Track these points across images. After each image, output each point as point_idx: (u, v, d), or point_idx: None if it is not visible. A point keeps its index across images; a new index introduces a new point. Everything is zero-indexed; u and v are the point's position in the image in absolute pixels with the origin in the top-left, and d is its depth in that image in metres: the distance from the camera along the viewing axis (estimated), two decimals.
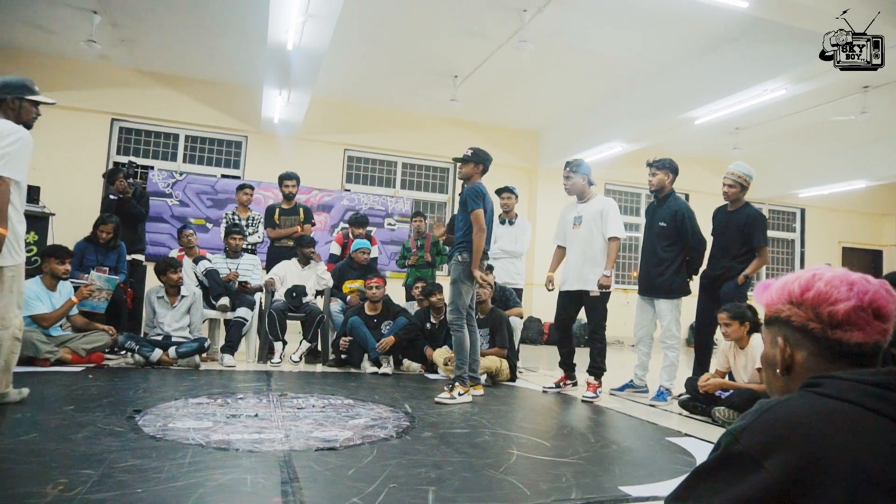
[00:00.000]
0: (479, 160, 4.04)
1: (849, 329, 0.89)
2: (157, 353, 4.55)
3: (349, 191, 8.93)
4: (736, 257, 4.23)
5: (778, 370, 0.97)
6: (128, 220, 5.56)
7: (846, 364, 0.89)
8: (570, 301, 4.42)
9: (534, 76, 7.53)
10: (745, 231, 4.21)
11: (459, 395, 3.77)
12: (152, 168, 8.08)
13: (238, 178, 8.46)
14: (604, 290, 4.25)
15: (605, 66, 7.16)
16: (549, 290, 4.73)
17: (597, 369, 4.26)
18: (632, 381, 4.57)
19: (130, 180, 5.75)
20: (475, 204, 3.91)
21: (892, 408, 0.78)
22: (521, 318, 5.50)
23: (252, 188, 6.15)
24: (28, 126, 3.04)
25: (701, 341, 4.51)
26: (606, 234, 4.28)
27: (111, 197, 5.65)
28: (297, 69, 6.29)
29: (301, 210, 6.04)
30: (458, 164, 4.13)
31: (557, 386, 4.48)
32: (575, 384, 4.53)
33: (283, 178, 5.98)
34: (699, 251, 4.42)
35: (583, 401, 4.10)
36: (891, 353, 2.21)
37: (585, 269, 4.30)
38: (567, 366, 4.51)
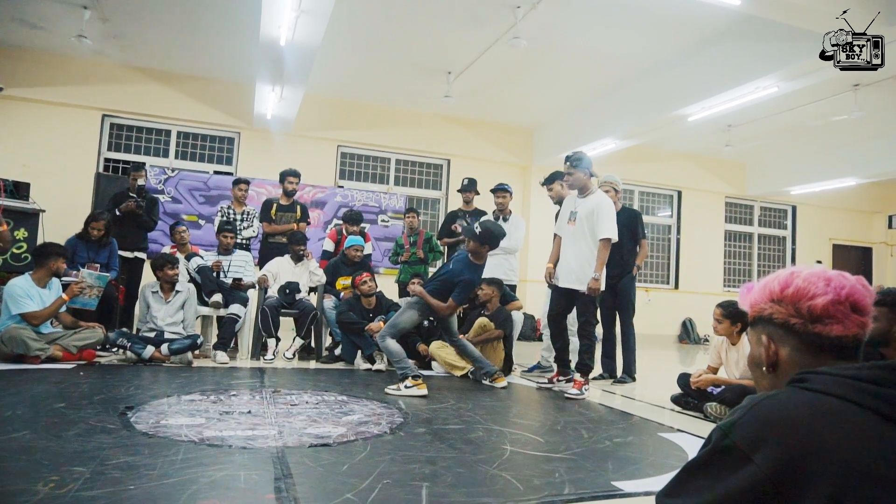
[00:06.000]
0: (484, 240, 4.25)
1: (828, 322, 0.92)
2: (150, 350, 4.53)
3: (342, 187, 8.91)
4: (628, 253, 5.01)
5: (764, 368, 0.99)
6: (133, 223, 5.60)
7: (828, 358, 0.92)
8: (560, 296, 4.42)
9: (528, 73, 7.53)
10: (629, 228, 4.97)
11: (407, 387, 3.83)
12: (144, 164, 8.02)
13: (231, 174, 8.42)
14: (594, 293, 4.22)
15: (598, 63, 7.16)
16: (549, 283, 4.75)
17: (584, 366, 4.22)
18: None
19: (139, 200, 5.69)
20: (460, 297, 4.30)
21: (877, 402, 0.79)
22: (521, 309, 5.51)
23: (247, 183, 6.12)
24: None
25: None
26: (598, 235, 4.20)
27: (117, 213, 5.58)
28: (290, 65, 6.26)
29: (298, 207, 6.03)
30: (468, 241, 4.34)
31: (550, 382, 4.49)
32: (570, 380, 4.47)
33: (286, 175, 5.96)
34: None
35: (566, 398, 4.05)
36: (879, 352, 2.23)
37: (575, 267, 4.28)
38: (561, 362, 4.51)
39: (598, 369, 4.98)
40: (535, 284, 5.19)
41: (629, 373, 4.95)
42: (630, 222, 5.02)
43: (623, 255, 4.95)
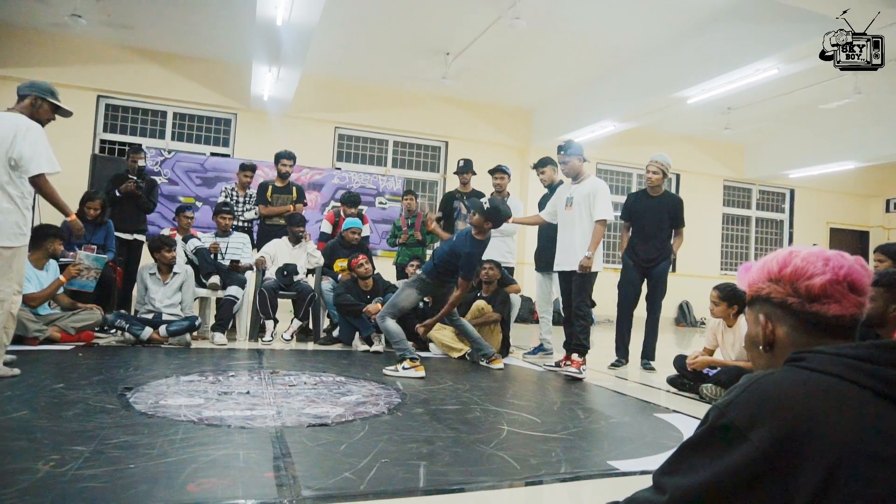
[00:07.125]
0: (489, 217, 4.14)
1: (826, 302, 0.92)
2: (148, 332, 4.54)
3: (340, 169, 8.87)
4: (667, 238, 4.86)
5: (761, 347, 0.99)
6: (132, 204, 5.58)
7: (825, 337, 0.92)
8: (565, 281, 4.52)
9: (526, 54, 7.47)
10: (672, 214, 4.82)
11: (405, 368, 3.89)
12: (141, 146, 7.96)
13: (228, 155, 8.38)
14: (585, 271, 4.26)
15: (598, 45, 7.10)
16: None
17: (580, 346, 4.27)
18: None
19: (139, 181, 5.66)
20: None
21: (873, 380, 0.80)
22: (519, 292, 5.53)
23: (253, 170, 6.04)
24: (41, 124, 3.39)
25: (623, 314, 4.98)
26: (594, 216, 4.30)
27: (117, 194, 5.56)
28: (287, 46, 6.19)
29: (294, 189, 6.01)
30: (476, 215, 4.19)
31: (558, 365, 4.51)
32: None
33: (281, 157, 5.93)
34: None
35: (566, 377, 4.12)
36: (875, 332, 2.25)
37: (573, 250, 4.36)
38: (570, 346, 4.53)
39: (614, 355, 4.89)
40: (533, 267, 5.20)
41: (651, 357, 4.83)
42: (673, 208, 4.84)
43: (661, 240, 4.82)
